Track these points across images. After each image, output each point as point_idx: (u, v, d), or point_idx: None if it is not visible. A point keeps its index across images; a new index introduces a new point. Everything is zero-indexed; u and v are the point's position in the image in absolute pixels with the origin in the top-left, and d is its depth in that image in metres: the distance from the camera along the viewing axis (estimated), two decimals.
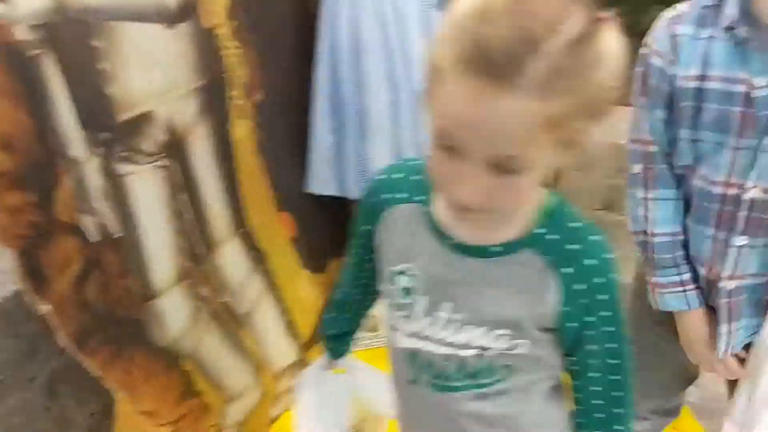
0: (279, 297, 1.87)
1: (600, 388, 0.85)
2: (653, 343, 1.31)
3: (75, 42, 1.27)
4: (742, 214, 1.05)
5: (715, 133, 1.03)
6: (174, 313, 1.55)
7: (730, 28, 0.99)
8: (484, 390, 0.85)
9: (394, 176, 0.89)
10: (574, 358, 0.84)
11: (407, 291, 0.86)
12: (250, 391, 1.80)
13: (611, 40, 0.64)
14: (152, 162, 1.45)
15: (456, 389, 0.87)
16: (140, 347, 1.49)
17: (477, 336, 0.82)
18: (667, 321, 1.26)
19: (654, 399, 1.43)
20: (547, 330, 0.81)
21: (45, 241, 1.28)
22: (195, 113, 1.53)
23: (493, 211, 0.72)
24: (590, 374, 0.84)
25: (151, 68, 1.41)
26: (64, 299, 1.32)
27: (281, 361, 1.90)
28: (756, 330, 1.15)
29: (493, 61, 0.60)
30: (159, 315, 1.52)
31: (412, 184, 0.86)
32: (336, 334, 1.13)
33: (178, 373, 1.60)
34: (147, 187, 1.45)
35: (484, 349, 0.82)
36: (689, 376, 1.41)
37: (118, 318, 1.43)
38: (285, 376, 1.99)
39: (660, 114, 1.09)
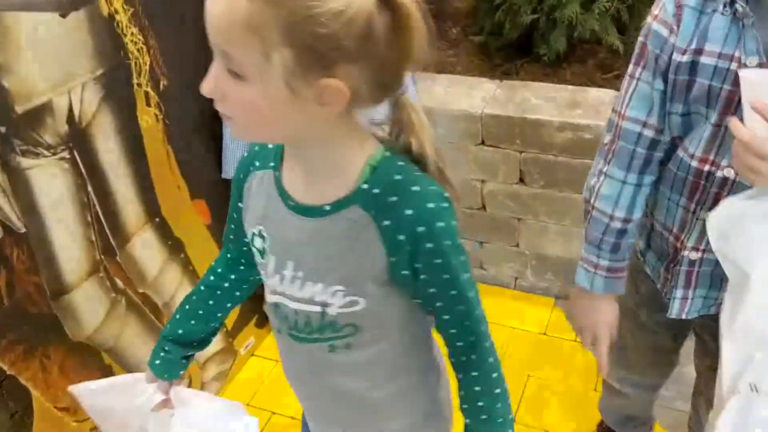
0: None
1: (455, 331, 0.90)
2: (634, 324, 1.35)
3: None
4: (713, 190, 1.05)
5: (701, 107, 1.02)
6: (89, 307, 1.53)
7: (731, 3, 0.96)
8: (333, 343, 0.91)
9: (256, 149, 0.94)
10: (423, 304, 0.89)
11: (262, 251, 0.91)
12: None
13: None
14: (55, 154, 1.42)
15: (309, 341, 0.92)
16: (55, 343, 1.46)
17: (317, 292, 0.87)
18: (649, 304, 1.30)
19: (633, 374, 1.48)
20: (384, 284, 0.85)
21: None
22: (98, 102, 1.50)
23: (231, 119, 0.78)
24: (443, 317, 0.89)
25: (48, 58, 1.37)
26: None
27: (205, 350, 1.89)
28: (714, 303, 1.16)
29: None
30: (73, 310, 1.49)
31: (268, 152, 0.91)
32: (180, 339, 1.09)
33: (97, 367, 1.58)
34: (51, 180, 1.41)
35: (325, 305, 0.87)
36: (669, 359, 1.44)
37: (29, 315, 1.40)
38: (210, 365, 1.98)
39: (659, 85, 1.06)
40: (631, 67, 1.11)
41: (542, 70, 2.15)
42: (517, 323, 2.14)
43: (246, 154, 0.96)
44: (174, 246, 1.76)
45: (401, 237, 0.81)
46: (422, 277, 0.84)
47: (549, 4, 2.00)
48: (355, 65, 0.72)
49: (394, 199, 0.81)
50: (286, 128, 0.79)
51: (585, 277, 1.21)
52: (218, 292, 1.09)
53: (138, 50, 1.59)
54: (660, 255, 1.22)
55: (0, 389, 1.35)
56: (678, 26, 1.01)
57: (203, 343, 1.13)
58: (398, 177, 0.82)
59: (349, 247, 0.83)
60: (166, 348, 1.09)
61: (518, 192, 2.06)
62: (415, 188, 0.81)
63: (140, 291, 1.67)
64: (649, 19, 1.07)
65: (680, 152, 1.09)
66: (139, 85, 1.61)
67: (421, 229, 0.80)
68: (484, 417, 0.93)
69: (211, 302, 1.09)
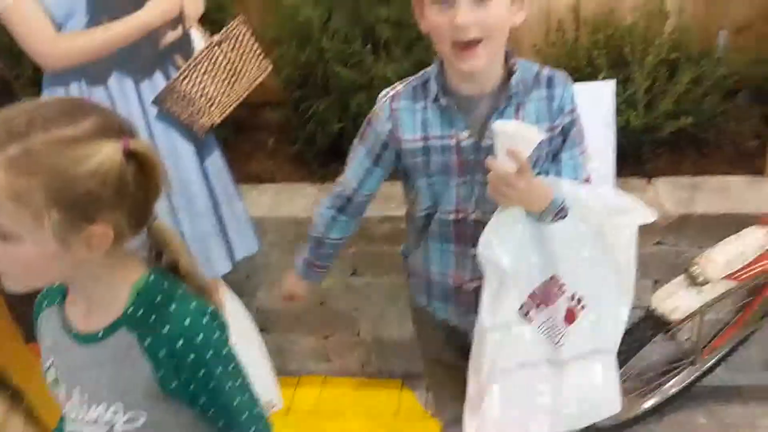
0: None
1: None
2: (444, 368, 1.57)
3: None
4: (470, 231, 1.33)
5: (442, 176, 1.31)
6: None
7: (436, 99, 1.27)
8: None
9: (44, 290, 1.02)
10: (201, 412, 0.96)
11: (54, 381, 1.00)
12: None
13: (104, 154, 0.81)
14: None
15: None
16: None
17: (101, 413, 0.95)
18: (452, 341, 1.52)
19: (453, 408, 1.60)
20: (160, 397, 0.93)
21: None
22: None
23: (3, 273, 0.86)
24: (218, 424, 0.97)
25: None
26: None
27: None
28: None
29: None
30: None
31: (54, 291, 1.01)
32: None
33: None
34: None
35: (111, 424, 0.95)
36: None
37: None
38: None
39: (367, 164, 1.38)
40: (357, 141, 1.41)
41: None
42: (367, 409, 2.25)
43: (38, 296, 1.04)
44: (14, 396, 1.68)
45: (162, 353, 0.90)
46: (191, 387, 0.92)
47: (353, 113, 2.22)
48: (116, 210, 0.85)
49: (154, 318, 0.91)
50: (58, 274, 0.91)
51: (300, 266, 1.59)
52: None
53: None
54: (444, 298, 1.46)
55: None
56: (398, 125, 1.31)
57: None
58: (159, 298, 0.92)
59: (121, 367, 0.92)
60: None
61: (353, 284, 2.21)
62: (173, 307, 0.92)
63: None
64: (373, 116, 1.35)
65: (439, 215, 1.36)
66: None
67: (180, 344, 0.90)
68: None
69: None
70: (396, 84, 1.36)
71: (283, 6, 2.21)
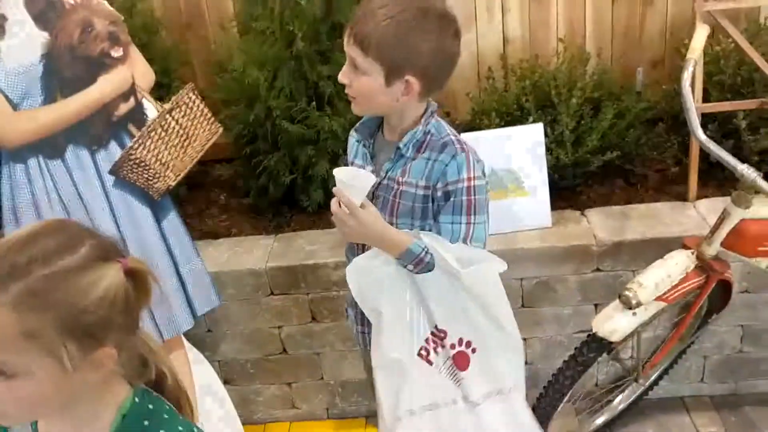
0: None
1: None
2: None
3: None
4: None
5: None
6: None
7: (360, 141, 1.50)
8: None
9: None
10: None
11: None
12: None
13: (109, 279, 0.82)
14: None
15: None
16: None
17: None
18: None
19: None
20: None
21: None
22: None
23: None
24: None
25: None
26: None
27: None
28: None
29: None
30: None
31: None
32: None
33: None
34: None
35: None
36: None
37: None
38: None
39: None
40: None
41: (309, 218, 2.45)
42: None
43: None
44: None
45: None
46: None
47: (303, 165, 2.33)
48: (121, 329, 0.85)
49: None
50: (58, 404, 0.86)
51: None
52: None
53: None
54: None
55: None
56: (349, 149, 1.55)
57: None
58: (146, 423, 0.90)
59: None
60: None
61: (312, 330, 2.29)
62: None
63: None
64: None
65: None
66: None
67: None
68: None
69: None
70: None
71: (230, 69, 2.32)
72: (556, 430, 2.04)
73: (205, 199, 2.67)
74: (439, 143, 1.38)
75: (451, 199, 1.36)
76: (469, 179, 1.35)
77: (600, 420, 2.16)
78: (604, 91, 2.36)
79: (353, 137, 1.53)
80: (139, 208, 1.92)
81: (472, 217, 1.37)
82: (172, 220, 2.01)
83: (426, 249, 1.35)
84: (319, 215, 2.44)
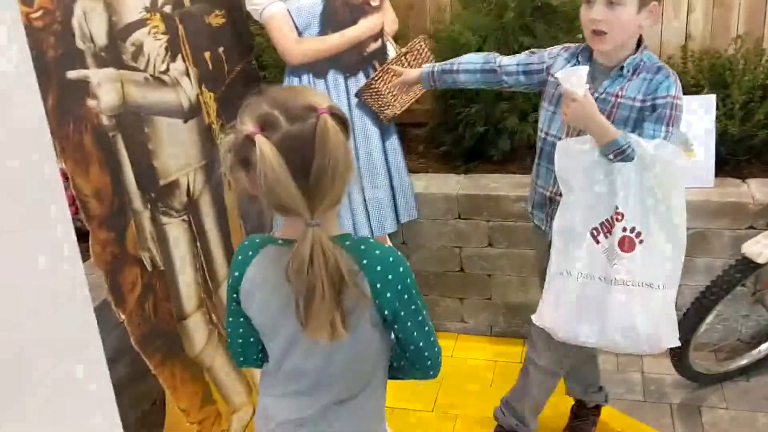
0: None
1: None
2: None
3: (133, 128, 1.82)
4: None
5: (557, 107, 1.82)
6: (197, 333, 2.02)
7: (577, 62, 1.84)
8: None
9: None
10: None
11: None
12: (246, 406, 2.24)
13: None
14: (179, 216, 1.98)
15: None
16: (178, 356, 1.93)
17: None
18: (546, 250, 1.92)
19: None
20: None
21: (120, 267, 1.75)
22: (202, 183, 2.09)
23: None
24: None
25: (176, 149, 1.97)
26: (133, 312, 1.77)
27: None
28: None
29: None
30: (188, 333, 1.98)
31: None
32: None
33: (201, 382, 2.03)
34: (177, 234, 1.96)
35: None
36: None
37: (165, 331, 1.88)
38: None
39: (523, 62, 1.94)
40: None
41: (493, 166, 2.89)
42: (502, 359, 2.72)
43: None
44: None
45: None
46: None
47: (495, 118, 2.78)
48: None
49: None
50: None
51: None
52: None
53: None
54: (541, 207, 1.94)
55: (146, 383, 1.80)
56: (552, 63, 1.88)
57: None
58: None
59: None
60: None
61: (488, 253, 2.72)
62: None
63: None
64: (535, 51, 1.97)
65: (547, 137, 1.88)
66: (224, 175, 2.21)
67: None
68: None
69: None
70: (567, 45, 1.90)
71: (447, 31, 2.83)
72: (696, 363, 2.33)
73: (406, 149, 3.18)
74: (654, 66, 1.74)
75: (658, 110, 1.69)
76: (674, 97, 1.69)
77: (741, 363, 2.41)
78: None
79: (562, 56, 1.86)
80: (371, 127, 2.45)
81: (671, 128, 1.69)
82: (393, 142, 2.54)
83: (629, 144, 1.66)
84: (503, 164, 2.88)
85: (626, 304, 1.75)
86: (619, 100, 1.74)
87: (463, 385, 2.59)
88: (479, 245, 2.72)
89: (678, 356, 2.27)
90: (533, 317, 1.89)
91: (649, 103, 1.72)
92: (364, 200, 2.47)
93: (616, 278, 1.76)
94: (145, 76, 1.88)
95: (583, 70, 1.65)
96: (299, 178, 1.10)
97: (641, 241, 1.75)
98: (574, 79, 1.64)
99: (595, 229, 1.79)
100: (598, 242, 1.78)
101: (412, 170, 2.96)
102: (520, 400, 2.15)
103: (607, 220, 1.77)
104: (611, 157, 1.68)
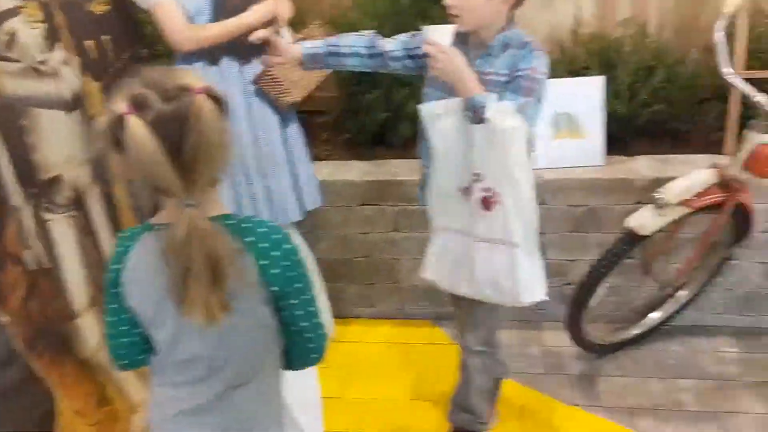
0: None
1: None
2: None
3: (9, 121, 1.74)
4: None
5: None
6: (89, 331, 1.95)
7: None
8: None
9: None
10: None
11: None
12: (147, 403, 2.18)
13: None
14: (64, 212, 1.90)
15: None
16: (69, 357, 1.86)
17: None
18: None
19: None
20: None
21: (1, 267, 1.67)
22: (90, 177, 2.01)
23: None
24: None
25: (59, 142, 1.89)
26: (16, 313, 1.70)
27: None
28: None
29: None
30: (80, 332, 1.91)
31: None
32: None
33: (95, 382, 1.96)
34: (63, 230, 1.88)
35: None
36: None
37: (54, 331, 1.81)
38: None
39: (404, 45, 1.96)
40: None
41: (396, 153, 2.91)
42: (412, 341, 2.75)
43: None
44: None
45: None
46: None
47: (395, 104, 2.80)
48: None
49: None
50: None
51: None
52: None
53: None
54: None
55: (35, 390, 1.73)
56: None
57: None
58: None
59: None
60: None
61: (394, 238, 2.74)
62: None
63: None
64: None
65: None
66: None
67: None
68: None
69: None
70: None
71: (344, 17, 2.82)
72: (592, 334, 2.43)
73: (310, 136, 3.17)
74: (521, 41, 1.78)
75: (515, 81, 1.74)
76: (533, 69, 1.73)
77: (634, 332, 2.53)
78: (659, 62, 2.75)
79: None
80: (270, 115, 2.42)
81: (524, 99, 1.71)
82: (294, 130, 2.51)
83: (485, 104, 1.69)
84: (407, 150, 2.90)
85: (489, 259, 1.83)
86: (488, 77, 1.77)
87: (372, 369, 2.61)
88: (385, 230, 2.74)
89: (574, 328, 2.36)
90: (420, 271, 2.00)
91: (512, 77, 1.75)
92: (266, 188, 2.45)
93: (480, 235, 1.83)
94: (21, 66, 1.79)
95: (449, 27, 1.70)
96: (174, 158, 1.09)
97: (498, 202, 1.78)
98: (438, 34, 1.70)
99: (461, 189, 1.83)
100: (465, 201, 1.83)
101: (316, 158, 2.95)
102: (466, 394, 2.15)
103: (469, 180, 1.81)
104: (470, 114, 1.72)
